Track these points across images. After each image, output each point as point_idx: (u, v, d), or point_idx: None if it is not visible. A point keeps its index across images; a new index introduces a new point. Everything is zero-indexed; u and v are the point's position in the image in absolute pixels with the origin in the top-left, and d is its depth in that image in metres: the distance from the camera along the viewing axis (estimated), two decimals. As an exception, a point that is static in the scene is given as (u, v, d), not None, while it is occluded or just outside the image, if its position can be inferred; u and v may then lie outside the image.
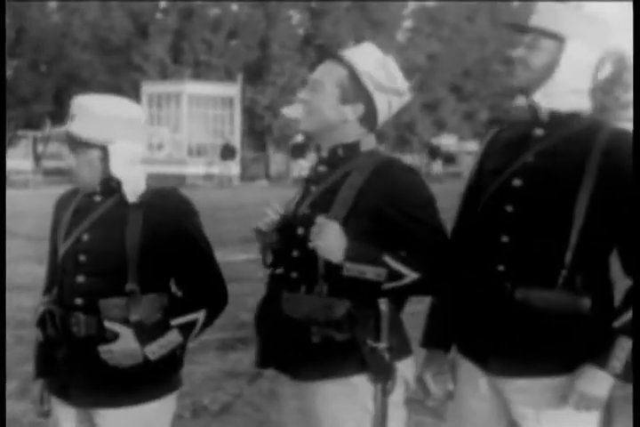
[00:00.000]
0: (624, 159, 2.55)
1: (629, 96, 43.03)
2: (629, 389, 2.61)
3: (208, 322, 2.94)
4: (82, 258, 2.89)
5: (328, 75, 2.69)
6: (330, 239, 2.54)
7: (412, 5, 42.11)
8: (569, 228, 2.56)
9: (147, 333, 2.83)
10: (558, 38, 2.62)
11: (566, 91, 2.63)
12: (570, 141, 2.62)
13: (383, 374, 2.62)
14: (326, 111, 2.68)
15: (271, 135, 35.89)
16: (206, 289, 2.94)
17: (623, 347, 2.53)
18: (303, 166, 38.82)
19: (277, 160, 37.00)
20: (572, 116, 2.65)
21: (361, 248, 2.57)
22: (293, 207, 2.76)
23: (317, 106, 2.68)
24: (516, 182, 2.63)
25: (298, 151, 30.37)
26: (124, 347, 2.80)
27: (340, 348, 2.61)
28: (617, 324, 2.56)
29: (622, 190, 2.55)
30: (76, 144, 2.86)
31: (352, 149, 2.71)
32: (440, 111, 41.20)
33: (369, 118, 2.71)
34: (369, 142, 2.75)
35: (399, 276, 2.56)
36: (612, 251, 2.65)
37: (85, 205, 2.96)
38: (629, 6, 2.62)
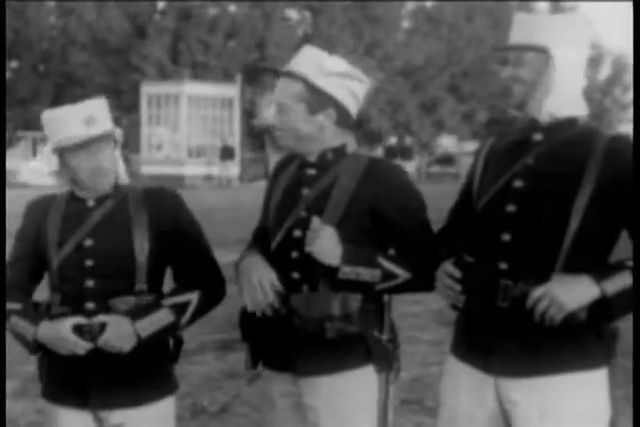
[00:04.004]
0: (624, 161, 2.58)
1: (629, 97, 43.07)
2: (629, 389, 2.61)
3: (205, 306, 2.97)
4: (89, 263, 2.90)
5: (286, 94, 2.78)
6: (326, 244, 2.64)
7: (410, 5, 42.11)
8: (566, 227, 2.58)
9: (138, 311, 2.87)
10: (540, 50, 2.64)
11: (563, 98, 2.65)
12: (569, 145, 2.65)
13: (387, 364, 2.74)
14: (301, 128, 2.78)
15: (270, 136, 35.86)
16: (200, 272, 2.98)
17: (625, 279, 2.51)
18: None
19: (276, 161, 36.96)
20: (570, 121, 2.68)
21: (356, 251, 2.68)
22: (286, 210, 2.81)
23: (291, 126, 2.78)
24: (517, 184, 2.66)
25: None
26: (116, 330, 2.83)
27: (347, 341, 2.70)
28: (631, 264, 2.54)
29: (624, 189, 2.56)
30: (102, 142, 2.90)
31: (340, 152, 2.82)
32: (439, 112, 41.19)
33: (342, 117, 2.80)
34: (352, 145, 2.86)
35: (393, 276, 2.69)
36: (607, 250, 2.67)
37: (77, 210, 2.96)
38: (622, 6, 2.64)
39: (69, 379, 2.93)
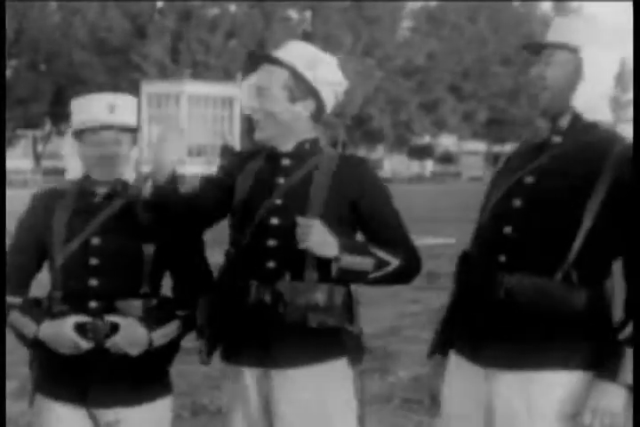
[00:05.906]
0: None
1: (628, 96, 43.09)
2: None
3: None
4: (94, 261, 2.88)
5: (270, 79, 2.83)
6: (320, 237, 2.66)
7: (411, 5, 42.16)
8: (575, 228, 2.57)
9: (152, 319, 2.86)
10: (571, 49, 2.64)
11: (588, 102, 2.65)
12: (586, 149, 2.64)
13: (359, 357, 2.81)
14: (279, 114, 2.81)
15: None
16: (201, 284, 2.95)
17: (629, 358, 2.50)
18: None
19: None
20: (591, 126, 2.67)
21: (350, 241, 2.74)
22: (257, 199, 2.81)
23: (270, 110, 2.82)
24: (528, 180, 2.66)
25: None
26: (128, 335, 2.82)
27: (322, 333, 2.73)
28: (622, 336, 2.53)
29: (630, 204, 2.54)
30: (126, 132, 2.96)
31: (315, 144, 2.88)
32: (439, 111, 41.20)
33: (317, 112, 2.87)
34: (323, 138, 2.93)
35: (386, 263, 2.74)
36: (615, 255, 2.64)
37: (84, 206, 2.94)
38: (624, 6, 2.65)
39: (68, 375, 2.90)
